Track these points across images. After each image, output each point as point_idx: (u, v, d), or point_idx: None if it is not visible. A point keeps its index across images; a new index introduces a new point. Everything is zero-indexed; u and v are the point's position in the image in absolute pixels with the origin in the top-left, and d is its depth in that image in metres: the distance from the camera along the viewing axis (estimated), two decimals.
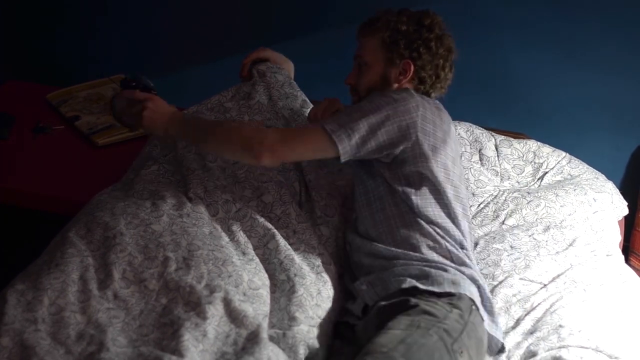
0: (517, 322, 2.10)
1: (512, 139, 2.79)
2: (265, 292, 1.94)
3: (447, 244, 2.03)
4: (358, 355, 1.78)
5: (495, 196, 2.62)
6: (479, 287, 1.99)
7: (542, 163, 2.74)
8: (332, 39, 3.02)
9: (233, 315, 1.83)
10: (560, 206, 2.56)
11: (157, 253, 1.93)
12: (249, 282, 1.93)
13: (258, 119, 2.41)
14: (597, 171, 2.78)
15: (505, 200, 2.60)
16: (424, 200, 2.04)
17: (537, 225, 2.50)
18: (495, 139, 2.77)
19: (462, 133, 2.76)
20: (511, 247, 2.39)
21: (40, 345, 1.67)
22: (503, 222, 2.53)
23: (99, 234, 1.97)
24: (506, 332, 2.06)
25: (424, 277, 1.93)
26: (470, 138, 2.75)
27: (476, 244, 2.41)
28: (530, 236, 2.44)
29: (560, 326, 2.04)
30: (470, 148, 2.73)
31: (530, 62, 2.97)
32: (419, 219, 2.04)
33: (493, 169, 2.71)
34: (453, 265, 1.99)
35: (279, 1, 3.13)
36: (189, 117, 2.28)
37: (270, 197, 2.18)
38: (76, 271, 1.85)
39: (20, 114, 2.78)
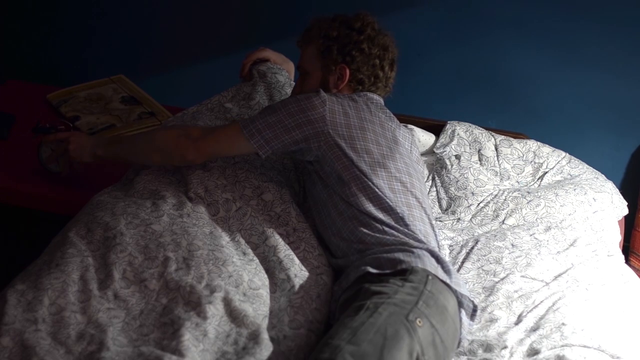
0: (519, 319, 2.10)
1: (512, 138, 2.79)
2: (265, 293, 1.94)
3: (388, 227, 2.03)
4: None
5: (495, 195, 2.62)
6: (433, 255, 1.97)
7: (542, 163, 2.75)
8: None
9: (233, 315, 1.83)
10: (560, 206, 2.56)
11: (158, 253, 1.93)
12: (249, 282, 1.93)
13: None
14: (597, 171, 2.78)
15: (505, 199, 2.60)
16: (353, 190, 2.06)
17: (537, 225, 2.51)
18: (495, 139, 2.77)
19: (461, 133, 2.76)
20: (512, 245, 2.39)
21: (41, 345, 1.67)
22: (503, 222, 2.53)
23: (99, 234, 1.97)
24: (508, 328, 2.06)
25: (376, 263, 1.94)
26: (470, 138, 2.76)
27: (477, 242, 2.42)
28: (531, 235, 2.45)
29: (563, 324, 2.04)
30: (470, 148, 2.73)
31: (530, 62, 2.98)
32: (355, 210, 2.05)
33: (492, 169, 2.71)
34: (400, 243, 1.98)
35: (280, 1, 3.13)
36: (111, 137, 2.39)
37: (270, 195, 2.18)
38: (76, 271, 1.85)
39: (20, 114, 2.78)
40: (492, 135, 2.78)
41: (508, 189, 2.66)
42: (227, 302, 1.84)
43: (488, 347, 1.99)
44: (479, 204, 2.60)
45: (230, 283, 1.89)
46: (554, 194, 2.60)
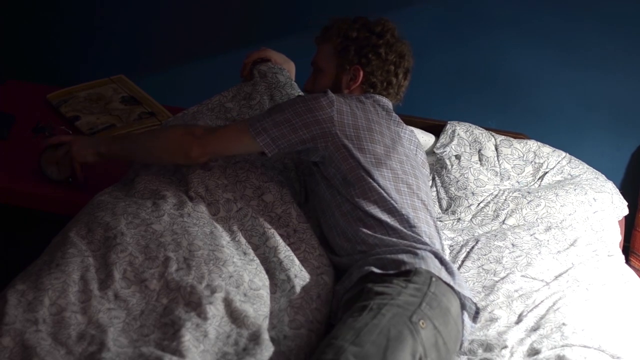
0: (520, 318, 2.10)
1: (512, 139, 2.79)
2: (265, 293, 1.94)
3: (392, 229, 2.02)
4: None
5: (496, 195, 2.62)
6: (437, 257, 1.97)
7: (542, 163, 2.75)
8: None
9: (234, 315, 1.83)
10: (561, 206, 2.56)
11: (158, 253, 1.93)
12: (249, 283, 1.93)
13: None
14: (597, 171, 2.78)
15: (505, 199, 2.60)
16: (358, 191, 2.06)
17: (538, 225, 2.51)
18: (495, 139, 2.77)
19: (461, 133, 2.76)
20: (512, 245, 2.40)
21: (41, 345, 1.67)
22: (503, 222, 2.54)
23: (100, 234, 1.97)
24: (508, 328, 2.06)
25: (380, 263, 1.94)
26: (470, 138, 2.76)
27: (477, 241, 2.42)
28: (531, 235, 2.45)
29: (564, 324, 2.04)
30: (470, 148, 2.74)
31: (531, 62, 2.98)
32: (359, 212, 2.05)
33: (493, 169, 2.71)
34: (404, 245, 1.98)
35: (280, 1, 3.13)
36: (115, 136, 2.38)
37: (271, 196, 2.18)
38: (77, 271, 1.85)
39: (20, 114, 2.78)
40: (493, 136, 2.78)
41: (508, 189, 2.67)
42: (228, 303, 1.84)
43: (488, 347, 1.99)
44: (479, 204, 2.60)
45: (230, 283, 1.89)
46: (555, 194, 2.60)
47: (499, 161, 2.73)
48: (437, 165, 2.73)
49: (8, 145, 2.66)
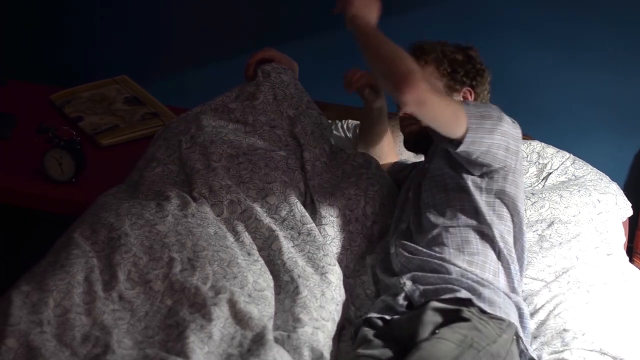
0: None
1: None
2: (270, 294, 1.93)
3: (508, 268, 2.03)
4: (407, 356, 1.79)
5: None
6: (522, 314, 1.99)
7: (546, 164, 2.74)
8: (332, 38, 3.01)
9: (238, 316, 1.82)
10: (565, 207, 2.55)
11: (162, 254, 1.93)
12: (254, 284, 1.92)
13: (262, 120, 2.40)
14: (601, 172, 2.77)
15: None
16: (501, 219, 2.06)
17: (540, 223, 2.49)
18: None
19: None
20: None
21: (46, 347, 1.67)
22: None
23: (104, 235, 1.97)
24: None
25: (476, 293, 1.93)
26: None
27: None
28: (534, 232, 2.43)
29: (565, 330, 2.03)
30: None
31: (534, 62, 2.97)
32: (493, 239, 2.03)
33: None
34: (503, 289, 1.99)
35: (280, 1, 3.12)
36: (376, 28, 2.14)
37: (275, 198, 2.17)
38: (81, 272, 1.85)
39: (22, 115, 2.77)
40: None
41: None
42: (232, 304, 1.83)
43: None
44: None
45: (235, 284, 1.89)
46: (559, 195, 2.59)
47: None
48: None
49: (10, 145, 2.65)
